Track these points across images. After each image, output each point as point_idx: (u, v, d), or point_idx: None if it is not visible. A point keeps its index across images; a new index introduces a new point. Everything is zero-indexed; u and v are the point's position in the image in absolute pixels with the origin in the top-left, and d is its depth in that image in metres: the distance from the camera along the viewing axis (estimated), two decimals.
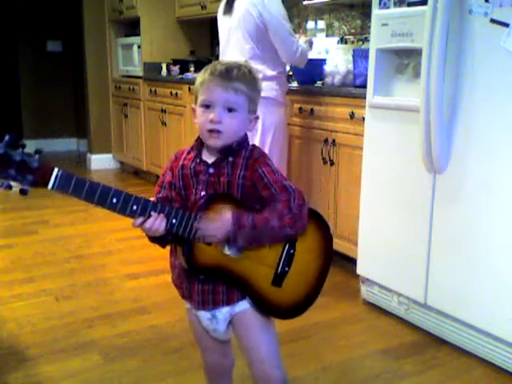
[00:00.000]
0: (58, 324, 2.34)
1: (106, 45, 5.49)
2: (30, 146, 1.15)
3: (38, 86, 6.51)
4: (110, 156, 5.74)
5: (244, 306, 1.33)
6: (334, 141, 2.81)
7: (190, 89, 4.13)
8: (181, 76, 4.56)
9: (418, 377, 1.99)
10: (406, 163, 2.24)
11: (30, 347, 2.15)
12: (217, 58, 4.92)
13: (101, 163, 5.67)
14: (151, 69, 4.98)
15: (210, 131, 1.25)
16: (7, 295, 2.63)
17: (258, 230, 1.22)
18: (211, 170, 1.28)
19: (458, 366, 2.05)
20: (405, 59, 2.28)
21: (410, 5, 2.16)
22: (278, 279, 1.31)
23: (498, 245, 1.94)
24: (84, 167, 5.77)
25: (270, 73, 2.67)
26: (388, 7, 2.25)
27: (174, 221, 1.21)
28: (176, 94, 4.38)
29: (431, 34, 1.95)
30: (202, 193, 1.28)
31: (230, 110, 1.25)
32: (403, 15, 2.17)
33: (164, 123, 4.61)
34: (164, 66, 4.83)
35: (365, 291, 2.56)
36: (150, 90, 4.82)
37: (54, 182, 1.13)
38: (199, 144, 1.32)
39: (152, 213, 1.19)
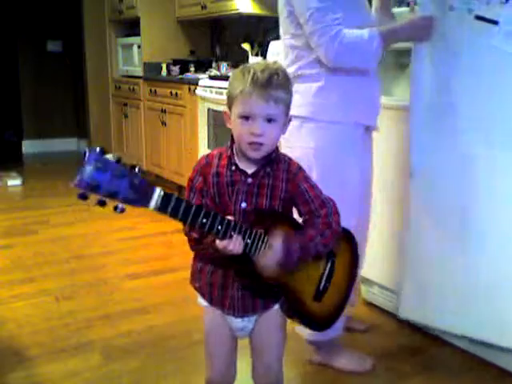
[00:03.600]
0: (58, 324, 2.34)
1: (106, 45, 5.49)
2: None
3: (38, 85, 6.52)
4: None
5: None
6: None
7: (189, 89, 4.13)
8: (181, 76, 4.56)
9: (418, 377, 1.99)
10: (405, 163, 2.24)
11: (30, 347, 2.15)
12: (217, 58, 4.94)
13: None
14: (151, 69, 4.98)
15: (251, 143, 1.23)
16: (7, 295, 2.63)
17: (304, 251, 1.26)
18: (249, 180, 1.28)
19: (458, 366, 2.05)
20: (405, 59, 2.28)
21: (410, 5, 2.16)
22: (320, 295, 1.37)
23: (497, 244, 1.94)
24: None
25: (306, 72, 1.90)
26: None
27: (248, 241, 1.21)
28: (176, 94, 4.38)
29: None
30: (243, 204, 1.28)
31: (270, 120, 1.23)
32: (403, 15, 2.17)
33: (164, 123, 4.61)
34: (164, 66, 4.83)
35: (365, 291, 2.56)
36: (150, 90, 4.82)
37: (156, 201, 1.10)
38: (232, 151, 1.30)
39: (232, 233, 1.19)
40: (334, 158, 1.87)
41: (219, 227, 1.17)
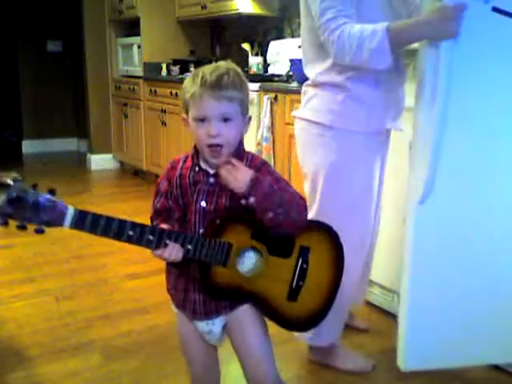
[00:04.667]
0: (58, 324, 2.34)
1: (106, 45, 5.49)
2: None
3: (38, 86, 6.51)
4: (110, 156, 5.74)
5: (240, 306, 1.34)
6: None
7: None
8: (181, 76, 4.56)
9: (418, 377, 1.99)
10: (405, 163, 2.23)
11: (30, 347, 2.15)
12: (217, 58, 4.94)
13: (101, 163, 5.67)
14: (151, 69, 4.98)
15: (210, 146, 1.24)
16: (7, 295, 2.62)
17: (270, 193, 1.23)
18: (211, 180, 1.28)
19: (458, 367, 2.05)
20: (405, 59, 2.27)
21: None
22: (293, 294, 1.32)
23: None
24: (84, 167, 5.78)
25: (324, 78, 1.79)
26: None
27: (189, 246, 1.22)
28: (176, 94, 4.38)
29: None
30: (202, 203, 1.28)
31: (226, 119, 1.23)
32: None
33: (164, 123, 4.61)
34: (164, 66, 4.83)
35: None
36: (150, 90, 4.82)
37: (71, 221, 1.16)
38: (197, 152, 1.31)
39: (168, 241, 1.20)
40: (356, 166, 1.81)
41: (150, 237, 1.19)
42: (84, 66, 5.55)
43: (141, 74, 5.01)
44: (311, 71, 1.83)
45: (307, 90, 1.86)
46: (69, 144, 6.76)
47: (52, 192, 1.15)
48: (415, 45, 1.97)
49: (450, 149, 1.67)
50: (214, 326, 1.36)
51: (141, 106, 5.02)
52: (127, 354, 2.11)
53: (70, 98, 6.70)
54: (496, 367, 2.02)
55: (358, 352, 2.09)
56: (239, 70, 1.28)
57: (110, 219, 1.17)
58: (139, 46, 5.01)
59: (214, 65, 1.26)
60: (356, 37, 1.58)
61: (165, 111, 4.57)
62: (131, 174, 5.50)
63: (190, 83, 1.24)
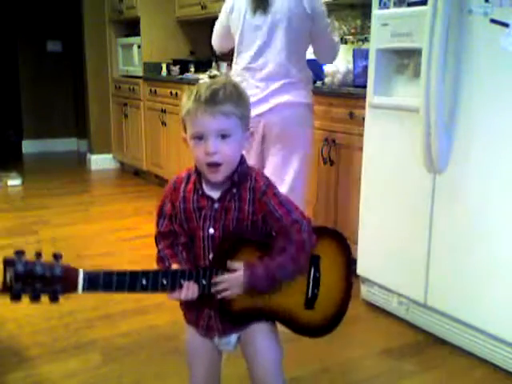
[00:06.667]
0: (58, 324, 2.34)
1: (106, 45, 5.49)
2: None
3: (38, 85, 6.51)
4: (110, 156, 5.74)
5: None
6: (333, 141, 2.81)
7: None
8: (181, 76, 4.56)
9: (418, 377, 1.99)
10: (405, 163, 2.24)
11: (30, 347, 2.15)
12: (217, 58, 4.95)
13: (101, 163, 5.67)
14: (151, 69, 4.98)
15: (209, 165, 1.19)
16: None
17: (271, 278, 1.23)
18: (216, 206, 1.24)
19: (457, 366, 2.05)
20: (405, 59, 2.28)
21: (410, 5, 2.16)
22: (310, 302, 1.34)
23: (498, 244, 1.94)
24: (84, 167, 5.78)
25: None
26: (388, 7, 2.25)
27: (203, 282, 1.21)
28: (176, 94, 4.38)
29: (431, 34, 1.95)
30: (211, 230, 1.25)
31: (224, 136, 1.18)
32: (403, 15, 2.17)
33: (164, 123, 4.61)
34: (164, 66, 4.84)
35: (365, 291, 2.56)
36: (150, 90, 4.82)
37: (83, 285, 1.12)
38: (198, 175, 1.26)
39: (182, 281, 1.18)
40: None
41: (164, 281, 1.17)
42: (84, 66, 5.55)
43: (141, 73, 5.01)
44: (295, 69, 2.37)
45: (294, 81, 2.37)
46: (69, 144, 6.76)
47: (57, 257, 1.11)
48: (415, 45, 2.06)
49: None
50: (230, 338, 1.36)
51: (141, 106, 5.02)
52: (127, 354, 2.11)
53: (70, 98, 6.70)
54: (500, 369, 2.02)
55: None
56: (238, 83, 1.25)
57: (121, 273, 1.14)
58: (139, 46, 5.01)
59: (210, 80, 1.22)
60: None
61: (165, 111, 4.57)
62: (131, 173, 5.50)
63: (186, 100, 1.20)
